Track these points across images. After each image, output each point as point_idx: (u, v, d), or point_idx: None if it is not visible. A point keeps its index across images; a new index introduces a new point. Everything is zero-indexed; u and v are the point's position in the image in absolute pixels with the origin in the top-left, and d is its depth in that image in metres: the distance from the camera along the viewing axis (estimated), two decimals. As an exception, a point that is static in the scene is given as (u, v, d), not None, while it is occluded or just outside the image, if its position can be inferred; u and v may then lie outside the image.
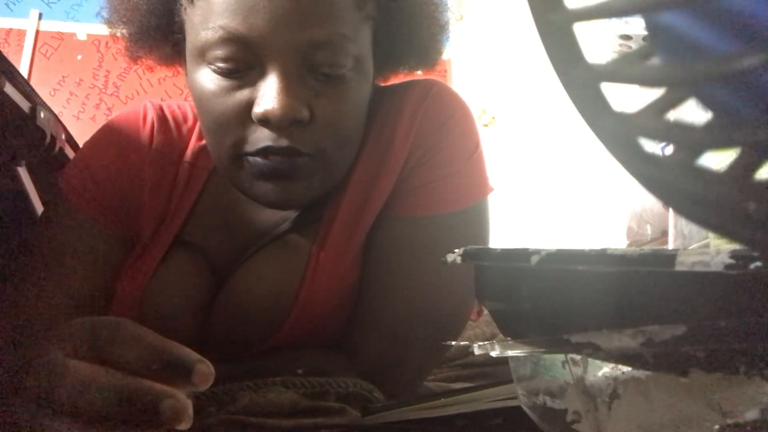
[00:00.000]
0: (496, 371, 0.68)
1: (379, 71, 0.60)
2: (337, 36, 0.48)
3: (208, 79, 0.50)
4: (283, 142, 0.49)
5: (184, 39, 0.53)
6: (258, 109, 0.48)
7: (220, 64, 0.48)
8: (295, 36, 0.47)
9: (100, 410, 0.27)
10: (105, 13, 0.57)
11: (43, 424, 0.29)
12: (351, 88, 0.51)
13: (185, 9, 0.51)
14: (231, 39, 0.47)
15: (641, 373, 0.23)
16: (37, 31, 2.76)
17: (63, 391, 0.28)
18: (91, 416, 0.28)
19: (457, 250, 0.27)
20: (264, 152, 0.49)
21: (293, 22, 0.46)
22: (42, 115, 0.71)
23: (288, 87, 0.47)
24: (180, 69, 0.59)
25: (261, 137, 0.49)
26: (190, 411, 0.28)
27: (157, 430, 0.27)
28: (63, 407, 0.28)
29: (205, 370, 0.29)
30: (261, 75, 0.48)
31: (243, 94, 0.49)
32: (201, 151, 0.61)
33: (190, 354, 0.29)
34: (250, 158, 0.50)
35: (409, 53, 0.61)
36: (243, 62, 0.48)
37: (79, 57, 2.78)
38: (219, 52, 0.48)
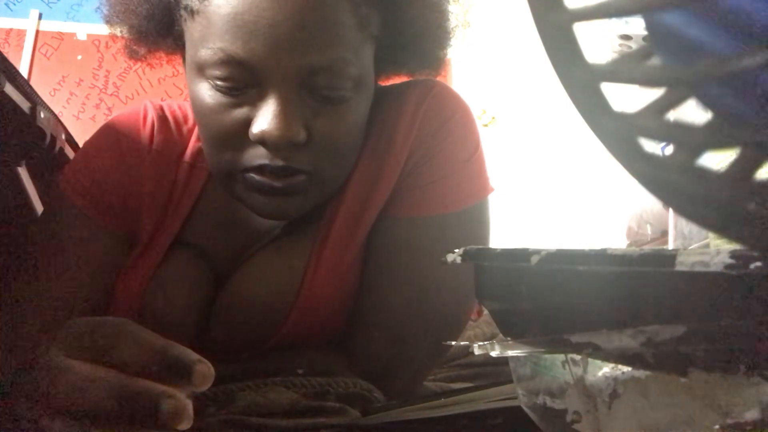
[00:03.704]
0: (496, 371, 0.68)
1: (380, 73, 0.60)
2: (337, 60, 0.48)
3: (206, 94, 0.49)
4: (279, 162, 0.49)
5: (183, 46, 0.53)
6: (255, 130, 0.48)
7: (219, 82, 0.48)
8: (295, 61, 0.46)
9: (99, 410, 0.27)
10: (104, 10, 0.57)
11: (43, 424, 0.29)
12: (350, 107, 0.51)
13: (185, 20, 0.51)
14: (230, 62, 0.46)
15: (641, 373, 0.23)
16: (37, 31, 2.76)
17: (63, 392, 0.28)
18: (91, 416, 0.28)
19: (457, 250, 0.27)
20: (259, 170, 0.49)
21: (294, 48, 0.46)
22: (42, 115, 0.71)
23: (286, 109, 0.47)
24: (180, 69, 0.59)
25: (257, 155, 0.49)
26: (190, 411, 0.28)
27: (157, 431, 0.27)
28: (63, 407, 0.28)
29: (205, 370, 0.29)
30: (260, 95, 0.48)
31: (241, 112, 0.49)
32: (200, 152, 0.61)
33: (190, 354, 0.29)
34: (246, 174, 0.50)
35: (412, 61, 0.60)
36: (242, 82, 0.48)
37: (79, 57, 2.78)
38: (218, 72, 0.47)
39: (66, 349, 0.30)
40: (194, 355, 0.29)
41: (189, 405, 0.28)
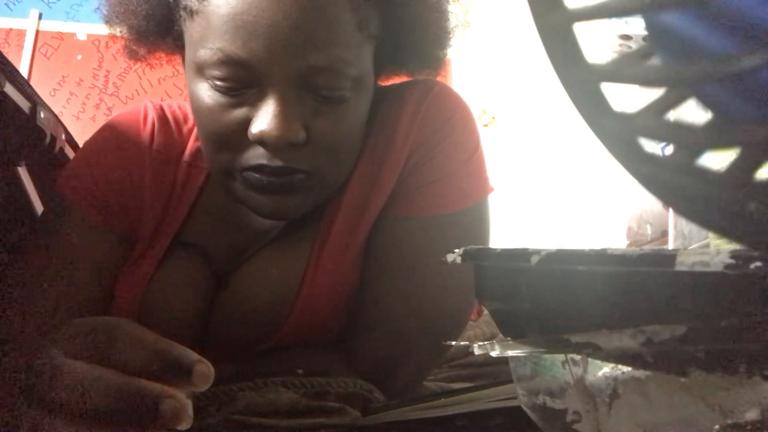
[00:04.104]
0: (496, 371, 0.68)
1: (380, 73, 0.60)
2: (337, 60, 0.47)
3: (206, 94, 0.49)
4: (278, 162, 0.49)
5: (183, 46, 0.53)
6: (254, 130, 0.48)
7: (219, 82, 0.48)
8: (294, 62, 0.46)
9: (99, 411, 0.27)
10: (104, 10, 0.57)
11: (43, 424, 0.29)
12: (350, 107, 0.51)
13: (184, 20, 0.50)
14: (229, 62, 0.46)
15: (641, 373, 0.23)
16: (37, 31, 2.76)
17: (62, 392, 0.28)
18: (91, 417, 0.28)
19: (457, 250, 0.27)
20: (258, 169, 0.49)
21: (293, 48, 0.46)
22: (42, 115, 0.71)
23: (285, 110, 0.47)
24: (180, 69, 0.59)
25: (256, 155, 0.49)
26: (190, 411, 0.28)
27: (157, 431, 0.27)
28: (62, 408, 0.28)
29: (205, 370, 0.29)
30: (259, 95, 0.48)
31: (240, 112, 0.49)
32: (199, 152, 0.61)
33: (190, 354, 0.29)
34: (245, 173, 0.50)
35: (412, 61, 0.60)
36: (241, 82, 0.48)
37: (79, 57, 2.78)
38: (217, 72, 0.47)
39: (66, 349, 0.30)
40: (194, 355, 0.29)
41: (189, 405, 0.28)
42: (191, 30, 0.49)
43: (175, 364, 0.29)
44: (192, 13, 0.48)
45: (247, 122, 0.49)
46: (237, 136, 0.49)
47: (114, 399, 0.27)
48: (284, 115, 0.47)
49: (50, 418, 0.28)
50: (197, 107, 0.51)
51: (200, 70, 0.49)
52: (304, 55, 0.46)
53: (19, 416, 0.29)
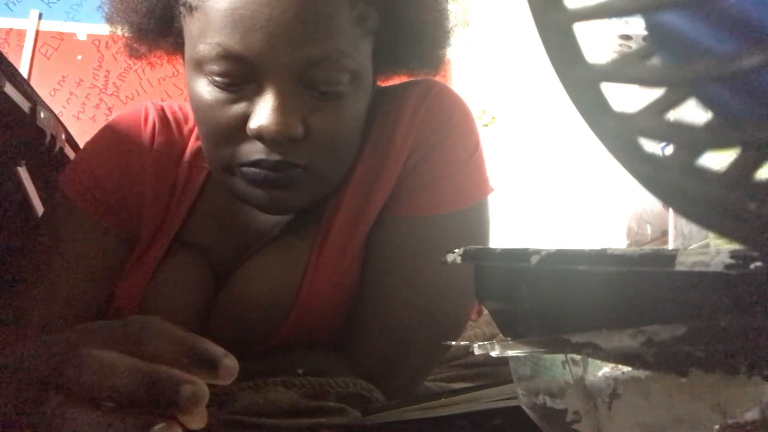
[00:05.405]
0: (496, 371, 0.68)
1: (379, 74, 0.59)
2: (334, 52, 0.48)
3: (205, 90, 0.50)
4: (276, 157, 0.49)
5: (183, 43, 0.53)
6: (253, 125, 0.48)
7: (217, 78, 0.48)
8: (292, 55, 0.46)
9: (120, 391, 0.27)
10: (105, 9, 0.57)
11: (67, 411, 0.28)
12: (348, 103, 0.51)
13: (184, 17, 0.51)
14: (228, 57, 0.47)
15: (641, 373, 0.23)
16: (37, 31, 2.76)
17: (87, 374, 0.28)
18: (112, 398, 0.28)
19: (457, 250, 0.27)
20: (257, 165, 0.50)
21: (291, 41, 0.46)
22: (42, 115, 0.71)
23: (283, 105, 0.47)
24: (180, 69, 0.59)
25: (254, 150, 0.49)
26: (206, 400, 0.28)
27: (174, 415, 0.28)
28: (85, 388, 0.28)
29: (231, 364, 0.29)
30: (258, 90, 0.48)
31: (239, 108, 0.49)
32: (199, 152, 0.61)
33: (217, 348, 0.30)
34: (243, 168, 0.50)
35: (411, 60, 0.60)
36: (240, 77, 0.48)
37: (79, 57, 2.78)
38: (216, 68, 0.48)
39: (99, 342, 0.30)
40: (221, 350, 0.30)
41: (207, 392, 0.28)
42: (190, 26, 0.49)
43: (203, 357, 0.29)
44: (191, 8, 0.49)
45: (245, 118, 0.49)
46: (236, 132, 0.49)
47: (136, 381, 0.28)
48: (282, 109, 0.47)
49: (73, 402, 0.28)
50: (196, 103, 0.51)
51: (199, 65, 0.49)
52: (301, 49, 0.46)
53: (42, 403, 0.29)
